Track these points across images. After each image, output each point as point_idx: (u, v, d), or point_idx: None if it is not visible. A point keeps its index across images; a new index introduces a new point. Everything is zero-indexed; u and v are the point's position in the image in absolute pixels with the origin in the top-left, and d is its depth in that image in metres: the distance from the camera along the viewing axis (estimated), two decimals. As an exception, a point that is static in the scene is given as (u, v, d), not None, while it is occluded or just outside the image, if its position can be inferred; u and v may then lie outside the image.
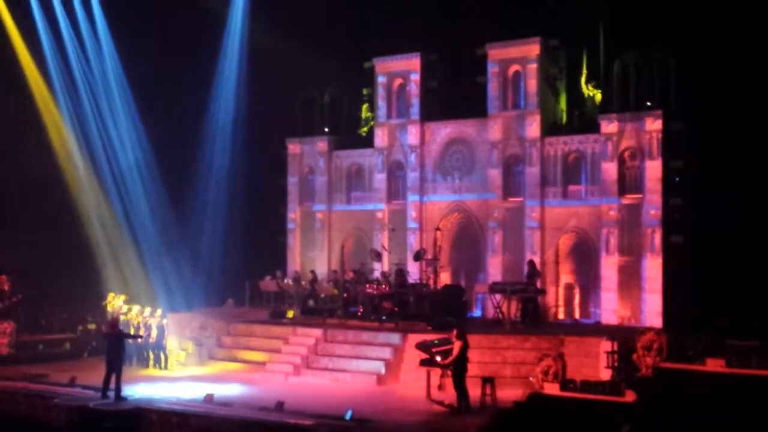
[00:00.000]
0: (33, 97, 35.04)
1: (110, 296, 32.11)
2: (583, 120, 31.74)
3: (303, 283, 33.92)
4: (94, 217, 35.26)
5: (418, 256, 31.46)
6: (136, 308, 30.58)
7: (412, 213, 34.41)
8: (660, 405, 19.87)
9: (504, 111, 32.37)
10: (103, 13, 35.64)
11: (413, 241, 34.05)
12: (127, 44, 35.27)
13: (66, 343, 32.23)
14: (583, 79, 32.01)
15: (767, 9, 26.66)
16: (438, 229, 31.78)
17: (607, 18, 31.11)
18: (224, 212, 36.51)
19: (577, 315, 31.08)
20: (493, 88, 32.51)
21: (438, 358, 22.35)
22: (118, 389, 23.43)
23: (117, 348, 24.03)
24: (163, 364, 29.18)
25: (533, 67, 31.79)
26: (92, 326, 32.56)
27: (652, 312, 28.83)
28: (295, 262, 37.23)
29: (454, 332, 22.35)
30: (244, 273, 35.74)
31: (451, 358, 21.92)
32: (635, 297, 29.56)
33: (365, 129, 36.94)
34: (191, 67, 35.42)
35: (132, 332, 29.07)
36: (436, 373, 22.94)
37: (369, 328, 28.32)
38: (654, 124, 29.42)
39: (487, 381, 22.31)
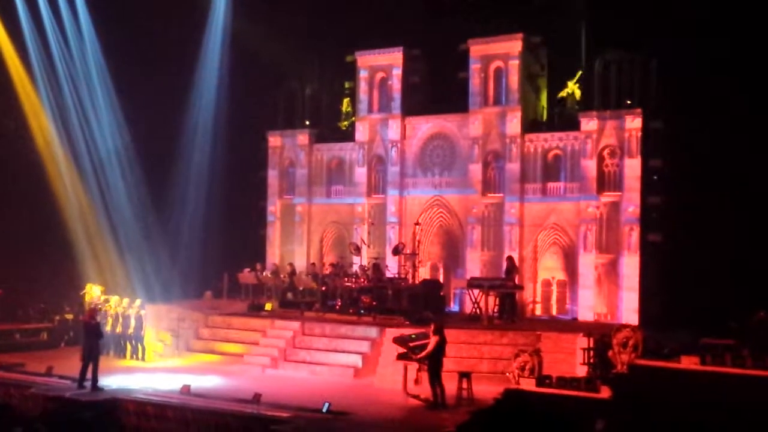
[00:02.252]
0: (12, 83, 34.86)
1: (88, 286, 32.02)
2: (564, 117, 31.85)
3: (282, 275, 33.93)
4: (73, 207, 35.13)
5: (396, 251, 31.53)
6: (114, 299, 30.53)
7: (392, 207, 34.47)
8: (635, 401, 19.97)
9: (485, 107, 32.46)
10: (84, 1, 35.49)
11: (393, 236, 34.11)
12: (108, 34, 35.13)
13: (43, 332, 32.18)
14: (563, 77, 32.08)
15: (746, 10, 26.81)
16: (417, 223, 31.85)
17: (589, 16, 31.21)
18: (204, 204, 36.44)
19: (554, 311, 31.23)
20: (474, 84, 32.59)
21: (413, 353, 22.43)
22: (94, 379, 23.41)
23: (94, 338, 24.03)
24: (140, 355, 29.15)
25: (515, 63, 31.88)
26: (69, 316, 32.50)
27: (628, 309, 28.99)
28: (274, 254, 37.24)
29: (432, 327, 22.42)
30: (222, 265, 35.72)
31: (425, 353, 21.98)
32: (612, 294, 29.73)
33: (346, 123, 36.95)
34: (173, 59, 35.32)
35: (110, 322, 29.14)
36: (413, 367, 23.02)
37: (347, 322, 28.37)
38: (634, 123, 29.57)
39: (464, 376, 22.38)
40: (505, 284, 29.02)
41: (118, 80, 35.58)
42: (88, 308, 26.96)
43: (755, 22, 26.71)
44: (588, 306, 29.99)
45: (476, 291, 29.10)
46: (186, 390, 22.89)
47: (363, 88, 35.31)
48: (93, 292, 31.48)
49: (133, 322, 29.39)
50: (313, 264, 34.83)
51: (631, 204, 29.58)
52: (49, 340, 31.80)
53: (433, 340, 22.00)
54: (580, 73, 31.42)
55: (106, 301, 30.50)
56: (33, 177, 34.50)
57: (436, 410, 21.24)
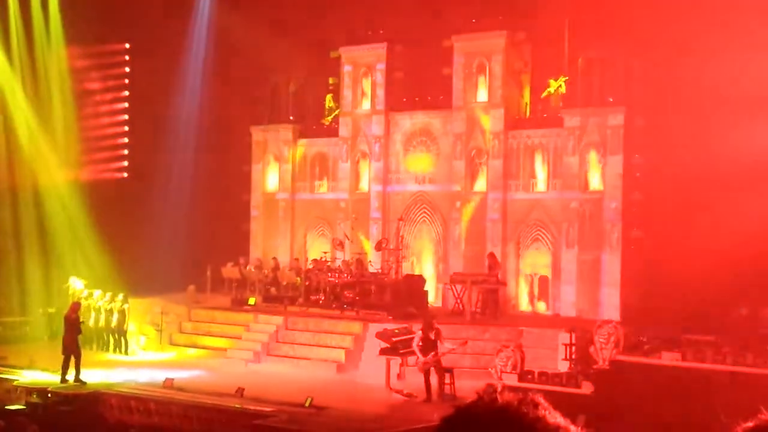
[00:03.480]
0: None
1: (70, 280, 31.98)
2: (547, 114, 31.92)
3: (265, 270, 33.96)
4: (55, 199, 35.05)
5: (379, 246, 31.60)
6: (97, 293, 30.50)
7: (375, 203, 34.50)
8: (616, 397, 20.12)
9: (469, 103, 32.52)
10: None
11: (376, 231, 34.14)
12: (94, 27, 35.07)
13: (26, 325, 32.10)
14: (547, 73, 32.11)
15: (729, 10, 26.94)
16: (401, 219, 31.91)
17: (573, 13, 31.26)
18: (187, 198, 36.39)
19: (536, 307, 31.32)
20: (458, 80, 32.65)
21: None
22: (77, 372, 23.46)
23: (75, 333, 24.17)
24: (123, 349, 29.15)
25: (499, 60, 31.94)
26: (52, 309, 32.43)
27: (610, 305, 29.08)
28: (257, 249, 37.22)
29: (432, 323, 22.72)
30: (206, 259, 35.67)
31: (450, 351, 22.32)
32: (594, 290, 29.82)
33: (330, 118, 36.91)
34: (158, 51, 35.30)
35: (93, 316, 29.15)
36: (395, 362, 23.14)
37: (330, 317, 28.45)
38: (616, 119, 29.68)
39: (447, 371, 22.49)
40: (487, 280, 29.13)
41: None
42: (71, 303, 26.97)
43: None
44: (570, 302, 30.10)
45: (459, 286, 29.20)
46: (169, 384, 22.93)
47: (347, 83, 35.30)
48: (75, 286, 31.46)
49: (116, 316, 29.38)
50: (297, 259, 34.84)
51: (614, 200, 29.70)
52: (31, 333, 31.74)
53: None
54: (566, 78, 31.45)
55: (89, 294, 30.47)
56: (15, 168, 34.41)
57: (429, 404, 21.42)
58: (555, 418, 3.40)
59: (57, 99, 35.39)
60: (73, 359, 24.06)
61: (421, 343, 22.43)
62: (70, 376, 23.54)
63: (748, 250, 25.94)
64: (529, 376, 21.16)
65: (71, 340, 24.19)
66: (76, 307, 25.43)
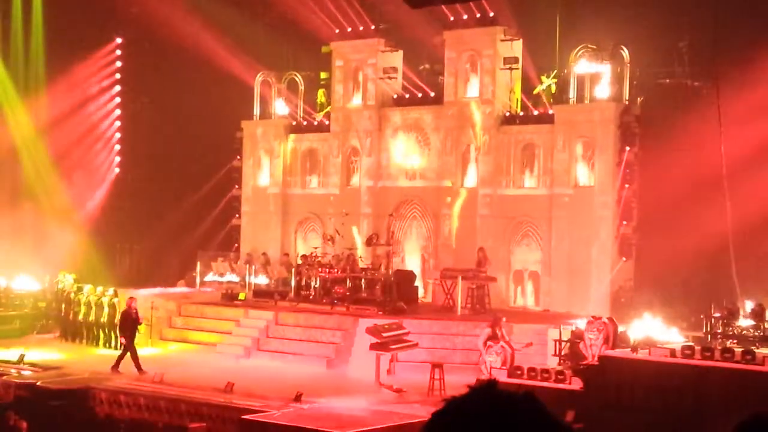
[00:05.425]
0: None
1: (61, 274, 31.93)
2: (538, 109, 31.91)
3: (255, 265, 33.92)
4: (45, 194, 35.02)
5: (370, 241, 31.57)
6: (87, 287, 30.44)
7: (366, 198, 34.47)
8: (605, 392, 20.15)
9: (460, 99, 32.50)
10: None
11: (366, 226, 34.10)
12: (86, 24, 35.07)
13: (16, 320, 32.02)
14: (539, 69, 32.13)
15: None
16: (391, 214, 31.88)
17: (564, 8, 31.29)
18: (178, 192, 36.37)
19: (526, 302, 31.34)
20: (449, 76, 32.62)
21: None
22: (137, 364, 24.50)
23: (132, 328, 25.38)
24: (113, 344, 29.08)
25: (490, 55, 31.91)
26: (42, 304, 32.37)
27: (600, 301, 29.09)
28: (248, 244, 37.16)
29: (500, 321, 22.93)
30: (196, 254, 35.66)
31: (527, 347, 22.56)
32: (584, 285, 29.83)
33: (321, 113, 36.87)
34: (148, 46, 35.27)
35: (83, 310, 29.13)
36: (385, 357, 23.15)
37: (320, 312, 28.41)
38: (607, 115, 29.68)
39: (437, 366, 22.51)
40: (477, 275, 29.13)
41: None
42: (128, 298, 27.14)
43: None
44: (560, 297, 30.10)
45: (449, 282, 29.19)
46: (159, 379, 22.91)
47: (338, 78, 35.26)
48: (66, 280, 31.41)
49: (106, 311, 29.31)
50: (287, 254, 34.81)
51: (605, 195, 29.71)
52: (21, 328, 31.66)
53: None
54: (555, 71, 31.45)
55: (80, 289, 30.42)
56: (7, 162, 34.41)
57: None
58: (545, 412, 3.41)
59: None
60: (128, 354, 24.99)
61: (486, 341, 22.44)
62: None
63: (739, 243, 26.07)
64: (519, 372, 21.16)
65: (127, 336, 24.85)
66: (132, 302, 25.92)
